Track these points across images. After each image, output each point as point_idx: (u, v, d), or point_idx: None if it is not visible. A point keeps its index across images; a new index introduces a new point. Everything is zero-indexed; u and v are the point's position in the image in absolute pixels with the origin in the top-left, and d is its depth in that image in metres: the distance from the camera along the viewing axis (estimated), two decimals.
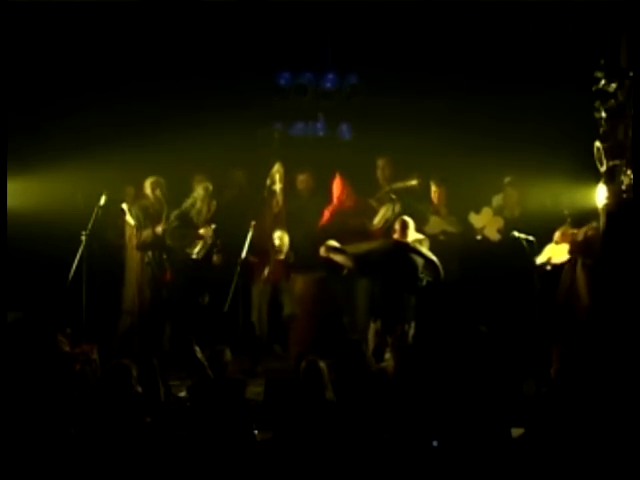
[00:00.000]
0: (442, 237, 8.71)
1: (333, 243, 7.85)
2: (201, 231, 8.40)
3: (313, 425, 5.47)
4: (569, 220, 7.78)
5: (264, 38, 9.63)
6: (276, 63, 10.11)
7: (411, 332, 7.54)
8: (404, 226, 7.72)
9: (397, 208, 8.57)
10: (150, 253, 8.54)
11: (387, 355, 7.35)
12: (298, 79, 10.24)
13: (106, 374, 5.71)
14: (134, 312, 8.55)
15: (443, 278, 7.80)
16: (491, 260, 8.55)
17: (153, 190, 8.64)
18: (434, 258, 7.67)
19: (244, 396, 6.06)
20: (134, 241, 8.54)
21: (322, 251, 7.86)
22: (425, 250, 7.72)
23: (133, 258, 8.60)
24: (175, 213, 8.55)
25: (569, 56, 8.61)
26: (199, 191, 8.56)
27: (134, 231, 8.53)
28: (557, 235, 7.81)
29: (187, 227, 8.47)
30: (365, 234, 8.47)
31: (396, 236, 7.73)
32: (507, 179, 8.83)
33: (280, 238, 8.40)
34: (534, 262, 7.78)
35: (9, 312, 6.76)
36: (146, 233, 8.46)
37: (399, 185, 8.84)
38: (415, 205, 8.69)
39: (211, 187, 8.59)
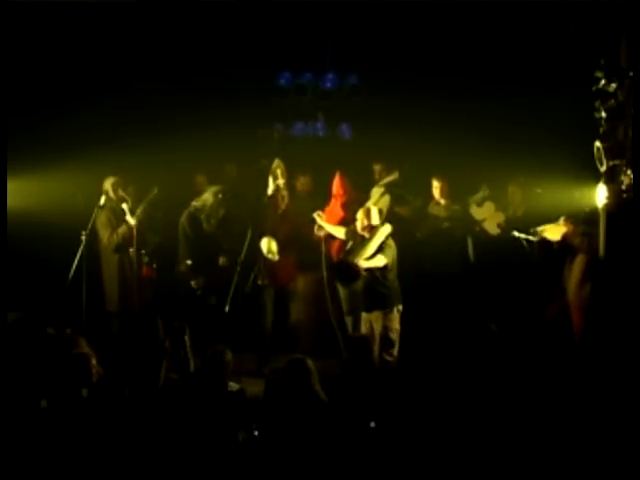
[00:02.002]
0: (447, 224, 8.73)
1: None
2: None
3: (299, 423, 5.51)
4: (582, 215, 7.75)
5: (264, 38, 9.64)
6: (276, 63, 10.12)
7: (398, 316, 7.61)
8: (368, 214, 7.79)
9: (387, 200, 8.67)
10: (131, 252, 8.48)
11: (395, 351, 7.43)
12: (298, 79, 10.25)
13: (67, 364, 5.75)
14: (118, 313, 8.50)
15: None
16: (492, 257, 8.57)
17: (115, 191, 8.54)
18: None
19: (243, 396, 6.05)
20: (111, 242, 8.46)
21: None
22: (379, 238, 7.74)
23: (109, 260, 8.52)
24: (185, 215, 8.47)
25: (569, 56, 8.62)
26: (209, 197, 8.44)
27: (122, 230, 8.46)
28: (563, 218, 7.81)
29: (196, 232, 8.42)
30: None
31: (361, 225, 7.75)
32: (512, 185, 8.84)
33: (267, 244, 8.22)
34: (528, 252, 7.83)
35: (9, 312, 6.75)
36: (122, 230, 8.41)
37: (384, 182, 8.90)
38: (405, 195, 8.81)
39: (221, 195, 8.43)
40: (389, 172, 9.03)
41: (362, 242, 7.75)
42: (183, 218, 8.47)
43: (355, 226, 7.88)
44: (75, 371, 5.70)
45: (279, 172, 8.45)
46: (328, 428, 5.50)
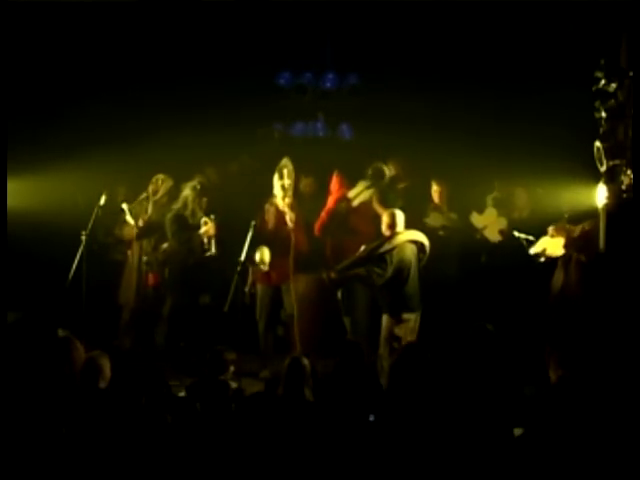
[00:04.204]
0: (442, 232, 8.74)
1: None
2: (202, 230, 8.33)
3: (291, 422, 5.54)
4: (566, 217, 7.85)
5: (264, 38, 9.64)
6: (276, 63, 10.12)
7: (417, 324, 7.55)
8: (393, 219, 7.66)
9: (368, 194, 8.58)
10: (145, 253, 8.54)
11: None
12: (298, 79, 10.26)
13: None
14: (129, 306, 8.56)
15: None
16: (492, 258, 8.57)
17: (152, 184, 8.63)
18: (422, 239, 7.65)
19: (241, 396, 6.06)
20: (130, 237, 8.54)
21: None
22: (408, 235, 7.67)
23: (133, 255, 8.62)
24: (169, 216, 8.48)
25: (569, 56, 8.62)
26: (187, 192, 8.46)
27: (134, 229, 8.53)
28: (551, 229, 7.87)
29: (186, 229, 8.44)
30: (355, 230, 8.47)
31: (387, 232, 7.66)
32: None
33: (261, 253, 8.11)
34: (529, 254, 7.85)
35: (9, 312, 6.75)
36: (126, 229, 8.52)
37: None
38: (389, 194, 8.68)
39: (199, 186, 8.45)
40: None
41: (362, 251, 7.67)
42: (168, 221, 8.46)
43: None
44: (89, 374, 5.70)
45: (285, 172, 8.23)
46: (316, 428, 5.52)
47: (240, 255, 7.82)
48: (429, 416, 5.48)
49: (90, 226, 8.17)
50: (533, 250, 7.87)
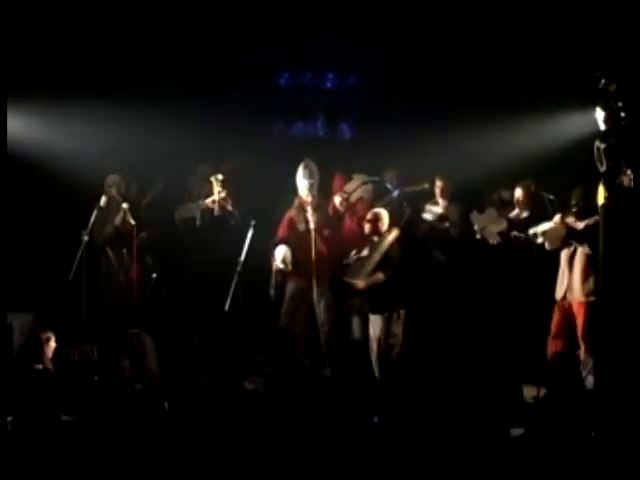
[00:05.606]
0: (438, 225, 8.71)
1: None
2: (209, 200, 8.55)
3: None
4: (574, 210, 7.83)
5: (264, 38, 9.64)
6: (276, 63, 10.12)
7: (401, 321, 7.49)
8: (377, 219, 7.63)
9: (367, 189, 8.62)
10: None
11: (394, 354, 7.36)
12: (298, 79, 10.26)
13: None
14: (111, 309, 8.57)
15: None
16: (489, 258, 8.58)
17: (109, 188, 8.62)
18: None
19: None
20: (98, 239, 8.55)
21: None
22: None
23: (114, 257, 8.62)
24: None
25: (569, 56, 8.62)
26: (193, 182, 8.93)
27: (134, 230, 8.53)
28: (558, 217, 7.86)
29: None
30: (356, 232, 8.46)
31: (370, 229, 7.63)
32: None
33: (283, 253, 8.07)
34: (528, 255, 7.83)
35: (9, 312, 6.76)
36: (106, 228, 8.50)
37: (410, 189, 8.78)
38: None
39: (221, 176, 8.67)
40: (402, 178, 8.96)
41: (367, 255, 7.51)
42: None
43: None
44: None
45: (308, 172, 8.28)
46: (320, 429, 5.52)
47: (240, 255, 7.86)
48: (428, 417, 5.49)
49: (90, 226, 8.18)
50: (532, 230, 7.83)
